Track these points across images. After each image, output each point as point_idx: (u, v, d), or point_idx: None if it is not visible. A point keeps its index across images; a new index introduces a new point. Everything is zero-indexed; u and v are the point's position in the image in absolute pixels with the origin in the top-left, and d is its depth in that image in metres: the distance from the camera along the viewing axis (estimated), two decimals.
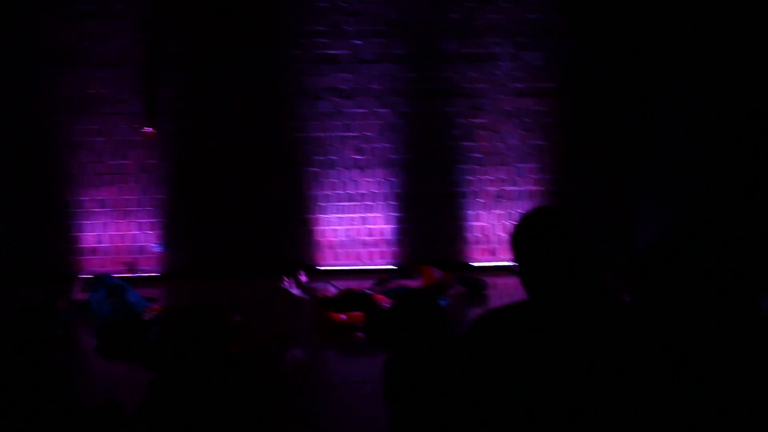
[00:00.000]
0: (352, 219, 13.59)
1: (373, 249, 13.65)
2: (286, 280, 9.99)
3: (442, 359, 4.40)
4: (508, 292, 11.90)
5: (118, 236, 13.28)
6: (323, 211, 13.53)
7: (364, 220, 13.62)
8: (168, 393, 4.18)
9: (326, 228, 13.56)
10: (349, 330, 9.25)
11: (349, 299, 9.66)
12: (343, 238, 13.60)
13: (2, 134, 12.99)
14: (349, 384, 7.09)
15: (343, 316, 9.42)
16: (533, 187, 13.80)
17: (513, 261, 2.84)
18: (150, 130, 12.99)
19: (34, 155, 13.07)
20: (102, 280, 10.61)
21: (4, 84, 12.96)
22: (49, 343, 4.59)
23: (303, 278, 10.18)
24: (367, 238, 13.64)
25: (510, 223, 13.64)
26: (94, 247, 13.23)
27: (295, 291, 10.01)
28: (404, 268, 12.06)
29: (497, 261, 13.68)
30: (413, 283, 11.13)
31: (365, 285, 11.99)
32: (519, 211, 13.63)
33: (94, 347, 8.64)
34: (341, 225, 13.58)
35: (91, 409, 4.77)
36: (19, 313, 4.60)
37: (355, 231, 13.61)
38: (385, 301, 9.49)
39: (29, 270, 13.03)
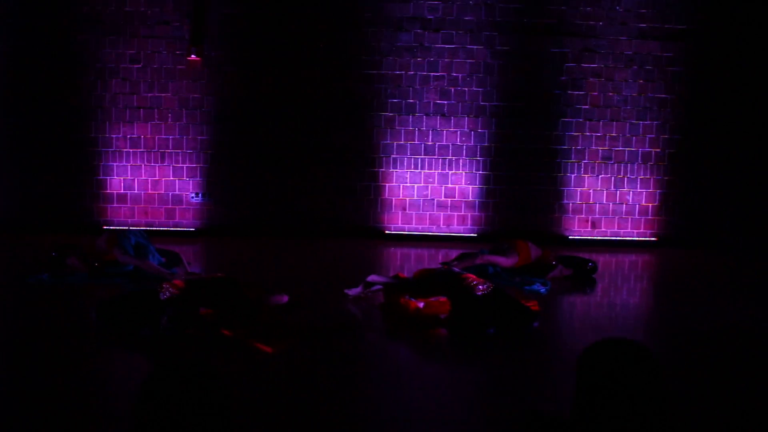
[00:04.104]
0: (428, 176, 11.41)
1: (452, 213, 11.52)
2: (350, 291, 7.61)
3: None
4: (611, 273, 9.75)
5: (152, 182, 11.27)
6: (394, 165, 11.39)
7: (443, 178, 11.43)
8: (163, 398, 2.45)
9: (397, 185, 11.42)
10: (429, 322, 6.88)
11: (428, 281, 7.25)
12: (417, 198, 11.45)
13: (17, 60, 11.05)
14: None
15: (421, 304, 7.09)
16: (650, 149, 11.45)
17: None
18: (196, 57, 10.97)
19: (55, 83, 11.08)
20: (125, 235, 8.47)
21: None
22: None
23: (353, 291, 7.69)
24: (446, 199, 11.48)
25: (617, 191, 11.45)
26: (123, 194, 11.25)
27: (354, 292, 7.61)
28: (495, 242, 9.70)
29: (599, 235, 11.54)
30: (506, 261, 8.87)
31: (441, 257, 9.96)
32: (631, 176, 11.37)
33: (93, 325, 6.47)
34: (415, 182, 11.42)
35: None
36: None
37: (431, 190, 11.45)
38: (477, 284, 6.99)
39: (46, 217, 11.17)
